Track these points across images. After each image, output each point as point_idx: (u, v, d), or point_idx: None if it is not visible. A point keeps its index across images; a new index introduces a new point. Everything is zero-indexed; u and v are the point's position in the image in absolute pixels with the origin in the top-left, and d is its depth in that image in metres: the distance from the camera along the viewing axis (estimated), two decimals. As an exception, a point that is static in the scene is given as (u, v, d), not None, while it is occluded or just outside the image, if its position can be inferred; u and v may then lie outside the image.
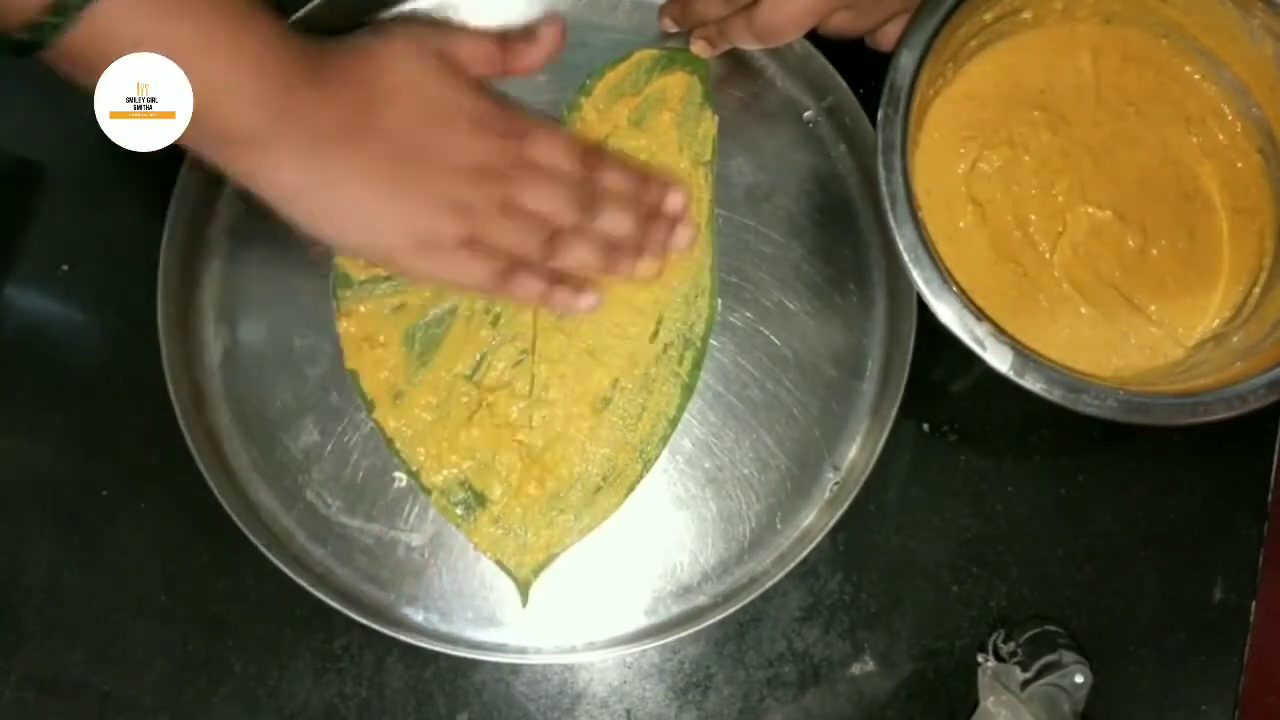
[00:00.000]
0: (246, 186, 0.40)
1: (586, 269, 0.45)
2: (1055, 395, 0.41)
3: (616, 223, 0.45)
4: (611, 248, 0.45)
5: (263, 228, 0.49)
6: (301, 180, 0.40)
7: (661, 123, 0.50)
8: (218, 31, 0.37)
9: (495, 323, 0.49)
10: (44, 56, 0.36)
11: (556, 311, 0.47)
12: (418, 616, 0.48)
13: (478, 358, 0.48)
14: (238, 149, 0.39)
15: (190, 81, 0.37)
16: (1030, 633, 0.48)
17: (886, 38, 0.47)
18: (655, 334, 0.49)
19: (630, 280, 0.47)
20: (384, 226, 0.41)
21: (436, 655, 0.48)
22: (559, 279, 0.44)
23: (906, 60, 0.43)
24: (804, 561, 0.47)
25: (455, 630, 0.48)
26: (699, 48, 0.50)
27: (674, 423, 0.49)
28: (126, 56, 0.36)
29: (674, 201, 0.47)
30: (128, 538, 0.49)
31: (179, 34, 0.36)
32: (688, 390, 0.49)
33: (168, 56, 0.36)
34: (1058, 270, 0.47)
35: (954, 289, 0.41)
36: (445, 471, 0.48)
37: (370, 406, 0.48)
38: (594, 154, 0.46)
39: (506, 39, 0.45)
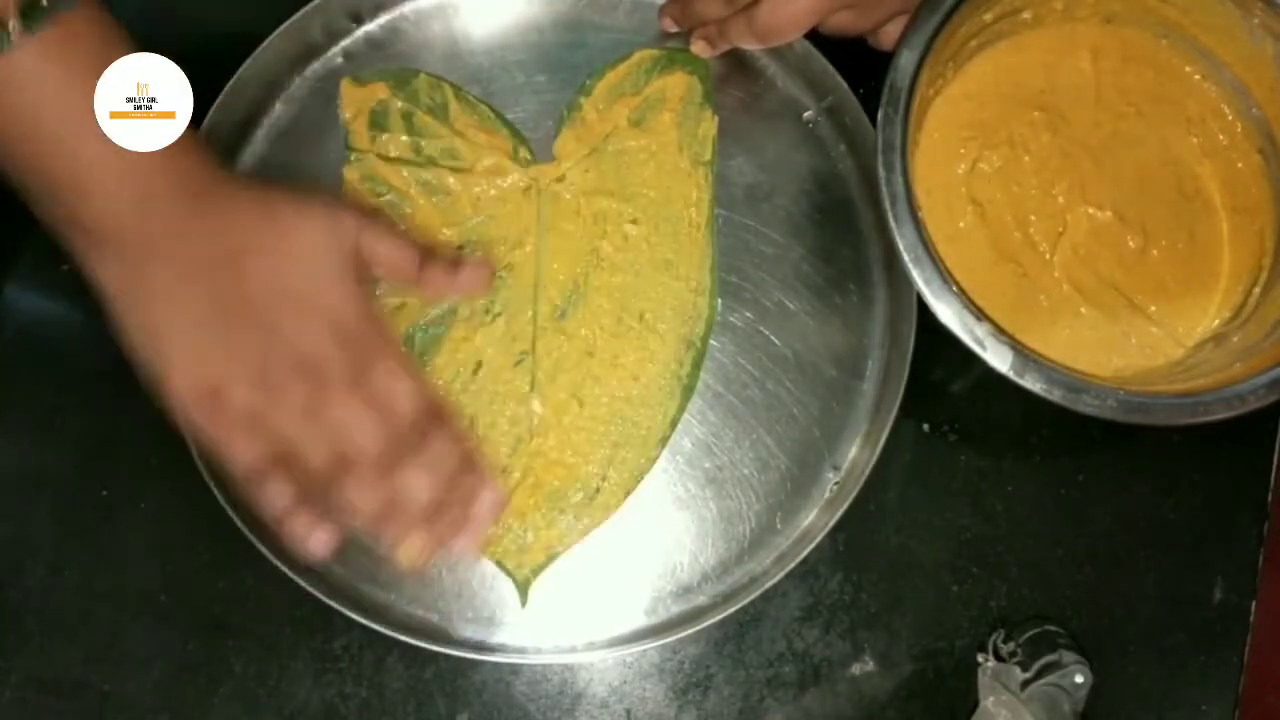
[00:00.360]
0: (75, 259, 0.38)
1: (357, 513, 0.39)
2: (1055, 395, 0.41)
3: (415, 486, 0.39)
4: (390, 508, 0.39)
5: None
6: (134, 289, 0.38)
7: (661, 123, 0.50)
8: None
9: (495, 323, 0.49)
10: None
11: (288, 538, 0.39)
12: (418, 616, 0.48)
13: (477, 358, 0.48)
14: (89, 242, 0.37)
15: (64, 165, 0.35)
16: (1030, 633, 0.48)
17: (887, 37, 0.47)
18: (655, 333, 0.49)
19: (408, 551, 0.41)
20: (182, 360, 0.38)
21: (436, 655, 0.48)
22: (307, 504, 0.39)
23: (906, 60, 0.43)
24: (804, 561, 0.47)
25: (455, 630, 0.48)
26: (699, 48, 0.50)
27: (674, 423, 0.49)
28: (34, 100, 0.34)
29: (486, 501, 0.41)
30: (128, 538, 0.49)
31: (83, 105, 0.35)
32: (688, 390, 0.49)
33: (65, 125, 0.35)
34: (1058, 271, 0.47)
35: (954, 289, 0.41)
36: (445, 471, 0.48)
37: (370, 406, 0.48)
38: (436, 414, 0.40)
39: (429, 258, 0.42)
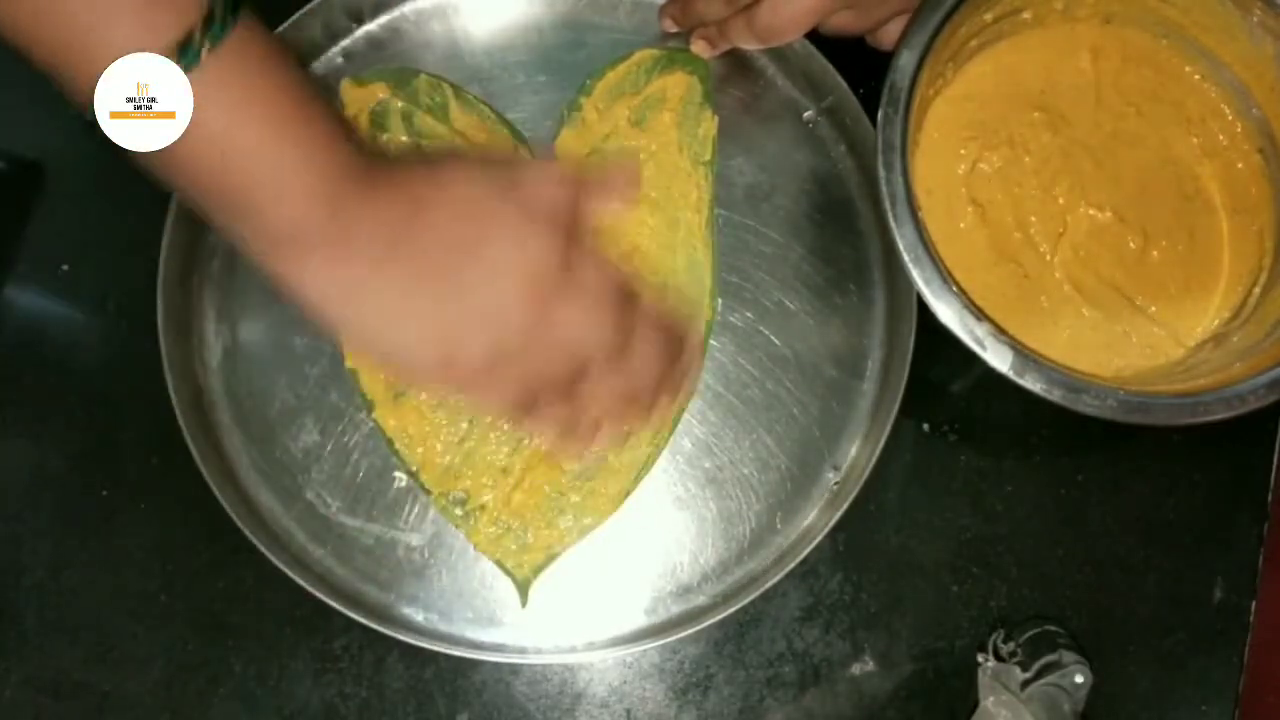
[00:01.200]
0: (277, 286, 0.38)
1: (602, 410, 0.42)
2: (1055, 395, 0.41)
3: (645, 367, 0.42)
4: (629, 396, 0.42)
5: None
6: (333, 287, 0.38)
7: (661, 123, 0.50)
8: (289, 125, 0.36)
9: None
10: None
11: (566, 454, 0.47)
12: (418, 616, 0.48)
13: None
14: (282, 250, 0.38)
15: (255, 175, 0.36)
16: (1030, 633, 0.48)
17: (888, 36, 0.47)
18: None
19: (636, 427, 0.47)
20: (410, 340, 0.39)
21: (436, 655, 0.48)
22: (575, 419, 0.42)
23: (906, 60, 0.43)
24: (804, 561, 0.47)
25: (455, 630, 0.48)
26: (699, 48, 0.50)
27: (674, 423, 0.49)
28: (192, 131, 0.35)
29: (691, 352, 0.45)
30: (128, 538, 0.49)
31: (252, 122, 0.35)
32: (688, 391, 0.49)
33: (239, 147, 0.35)
34: (1058, 271, 0.47)
35: (954, 289, 0.41)
36: (445, 471, 0.48)
37: (370, 406, 0.48)
38: (630, 294, 0.42)
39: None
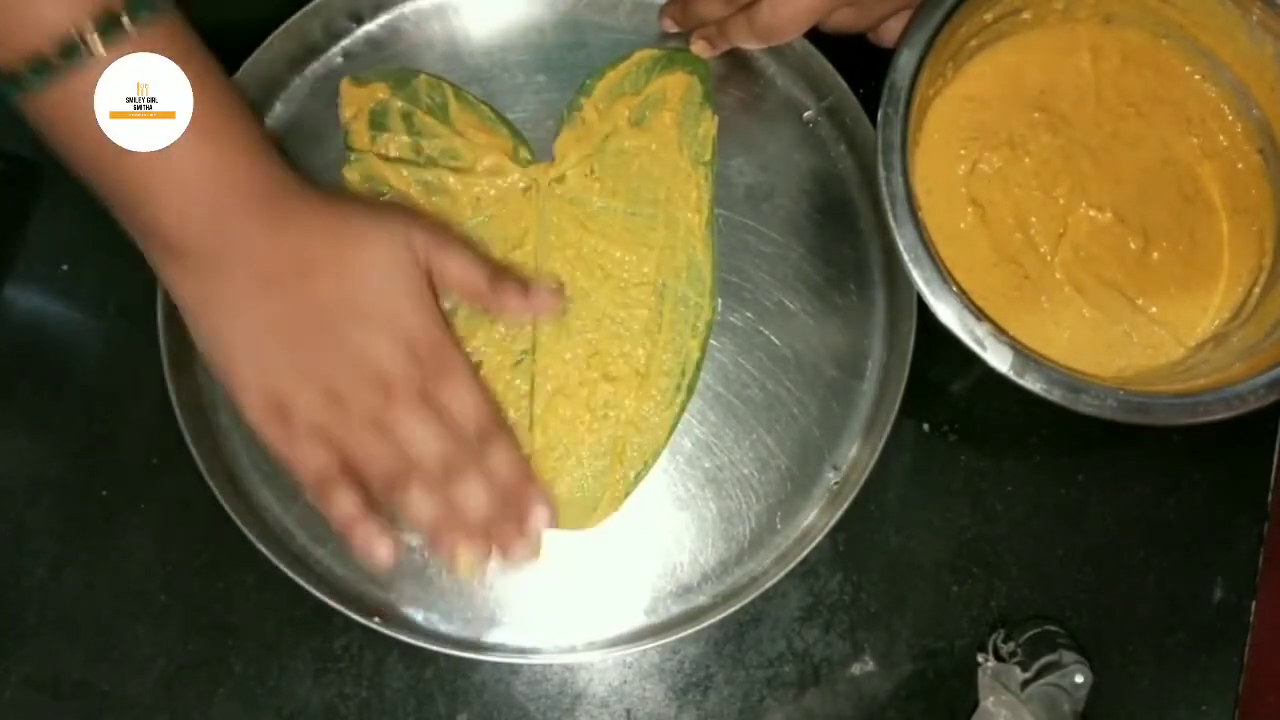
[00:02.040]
0: (154, 270, 0.39)
1: (417, 521, 0.40)
2: (1055, 395, 0.41)
3: (473, 498, 0.40)
4: (448, 518, 0.40)
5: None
6: (206, 299, 0.39)
7: (661, 123, 0.50)
8: (199, 127, 0.36)
9: (495, 323, 0.49)
10: (17, 101, 0.35)
11: (354, 546, 0.40)
12: (418, 616, 0.48)
13: (477, 358, 0.48)
14: (165, 252, 0.38)
15: (154, 172, 0.36)
16: (1030, 633, 0.48)
17: (889, 34, 0.47)
18: (656, 335, 0.49)
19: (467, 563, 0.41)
20: (251, 373, 0.39)
21: (436, 655, 0.48)
22: (374, 512, 0.40)
23: (906, 60, 0.43)
24: (804, 561, 0.47)
25: (455, 630, 0.48)
26: (699, 48, 0.50)
27: (674, 423, 0.49)
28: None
29: (538, 518, 0.42)
30: (128, 538, 0.49)
31: None
32: (688, 391, 0.49)
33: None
34: (1059, 272, 0.47)
35: (954, 289, 0.41)
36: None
37: (370, 406, 0.48)
38: (495, 428, 0.42)
39: (500, 278, 0.43)
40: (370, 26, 0.52)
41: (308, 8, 0.49)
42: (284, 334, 0.39)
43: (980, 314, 0.41)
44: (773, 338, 0.50)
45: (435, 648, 0.46)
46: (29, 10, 0.34)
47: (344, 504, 0.39)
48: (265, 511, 0.48)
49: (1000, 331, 0.41)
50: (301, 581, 0.45)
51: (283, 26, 0.49)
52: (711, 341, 0.50)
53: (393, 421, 0.39)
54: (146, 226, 0.38)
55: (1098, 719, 0.48)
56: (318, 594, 0.46)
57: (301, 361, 0.39)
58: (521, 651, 0.48)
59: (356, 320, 0.39)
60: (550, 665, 0.49)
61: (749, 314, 0.50)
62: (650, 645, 0.48)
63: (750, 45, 0.49)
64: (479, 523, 0.40)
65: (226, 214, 0.38)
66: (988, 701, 0.47)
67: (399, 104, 0.50)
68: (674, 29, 0.51)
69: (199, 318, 0.39)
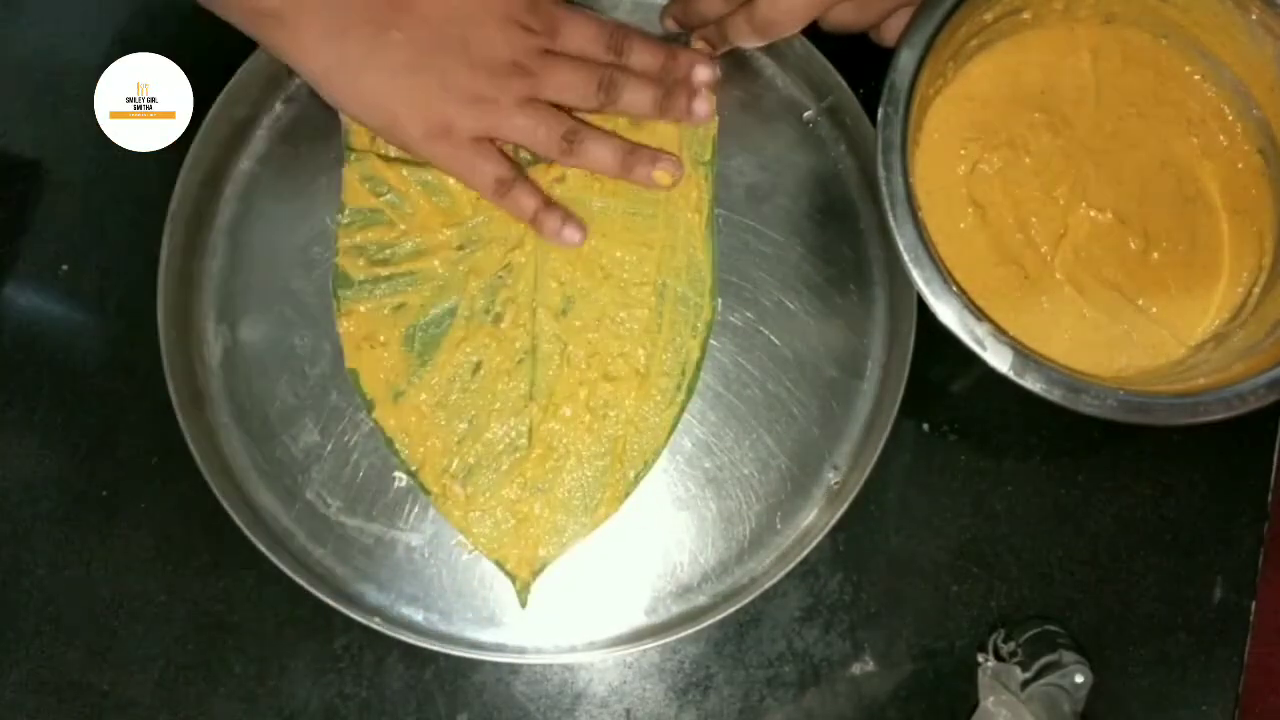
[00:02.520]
0: (275, 56, 0.43)
1: (603, 166, 0.46)
2: (1055, 395, 0.41)
3: (636, 101, 0.46)
4: (629, 151, 0.46)
5: (262, 227, 0.49)
6: (327, 62, 0.42)
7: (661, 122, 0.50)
8: None
9: (495, 323, 0.49)
10: None
11: (543, 235, 0.47)
12: (418, 616, 0.48)
13: (477, 358, 0.48)
14: (266, 24, 0.41)
15: None
16: (1030, 633, 0.48)
17: (889, 32, 0.47)
18: (656, 334, 0.49)
19: (648, 186, 0.48)
20: (402, 112, 0.43)
21: (436, 655, 0.48)
22: (554, 204, 0.46)
23: (906, 60, 0.43)
24: (804, 561, 0.47)
25: (455, 630, 0.48)
26: (699, 48, 0.50)
27: (674, 423, 0.49)
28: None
29: (702, 74, 0.47)
30: (128, 538, 0.49)
31: None
32: (688, 391, 0.49)
33: None
34: (1059, 272, 0.47)
35: (954, 289, 0.41)
36: (445, 472, 0.48)
37: (370, 406, 0.48)
38: (623, 35, 0.47)
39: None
40: (370, 26, 0.51)
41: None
42: (415, 66, 0.42)
43: (980, 314, 0.41)
44: (773, 338, 0.50)
45: (435, 648, 0.46)
46: None
47: (526, 200, 0.45)
48: (265, 511, 0.48)
49: (1000, 331, 0.41)
50: (301, 581, 0.46)
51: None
52: (711, 341, 0.50)
53: (539, 90, 0.44)
54: (245, 5, 0.41)
55: (1098, 719, 0.48)
56: (318, 594, 0.46)
57: (433, 83, 0.43)
58: (521, 651, 0.48)
59: (465, 24, 0.43)
60: (550, 665, 0.49)
61: (749, 314, 0.50)
62: (650, 645, 0.48)
63: (750, 42, 0.49)
64: (653, 112, 0.46)
65: None
66: (988, 701, 0.47)
67: (399, 104, 0.50)
68: (675, 29, 0.51)
69: (327, 80, 0.43)
